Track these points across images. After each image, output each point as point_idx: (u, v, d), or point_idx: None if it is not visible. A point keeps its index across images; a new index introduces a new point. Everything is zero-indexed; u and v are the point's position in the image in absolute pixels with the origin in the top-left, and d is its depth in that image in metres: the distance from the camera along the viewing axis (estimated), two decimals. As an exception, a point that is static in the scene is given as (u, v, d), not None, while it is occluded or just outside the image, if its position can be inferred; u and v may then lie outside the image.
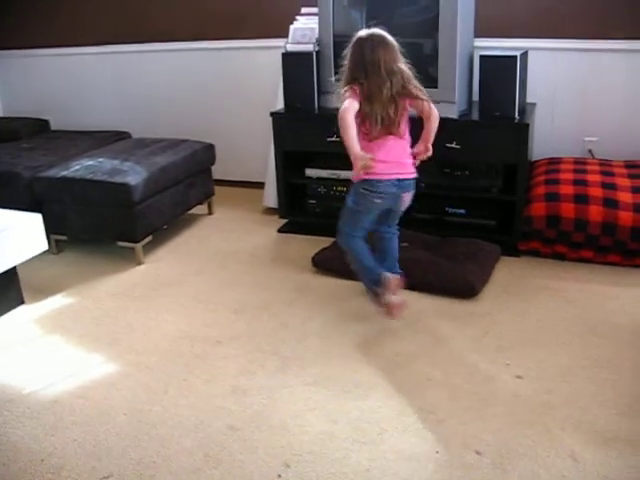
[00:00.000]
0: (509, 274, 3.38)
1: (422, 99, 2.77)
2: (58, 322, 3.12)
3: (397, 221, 3.04)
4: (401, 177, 2.82)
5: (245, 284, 3.42)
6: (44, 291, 3.40)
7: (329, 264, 3.44)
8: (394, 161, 2.80)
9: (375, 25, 2.76)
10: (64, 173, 3.73)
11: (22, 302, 3.29)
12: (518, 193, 3.52)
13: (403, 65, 2.72)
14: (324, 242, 3.62)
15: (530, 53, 3.64)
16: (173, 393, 2.52)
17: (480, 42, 3.69)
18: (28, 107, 5.30)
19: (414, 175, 2.86)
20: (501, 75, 3.42)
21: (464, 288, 3.15)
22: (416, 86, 2.75)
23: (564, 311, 3.01)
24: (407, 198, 2.91)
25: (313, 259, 3.49)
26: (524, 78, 3.59)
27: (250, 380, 2.59)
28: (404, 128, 2.82)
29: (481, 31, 3.67)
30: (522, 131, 3.43)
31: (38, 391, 2.57)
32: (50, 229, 3.47)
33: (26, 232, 3.06)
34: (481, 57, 3.48)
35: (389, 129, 2.76)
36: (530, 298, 3.14)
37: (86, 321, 3.12)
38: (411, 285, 3.20)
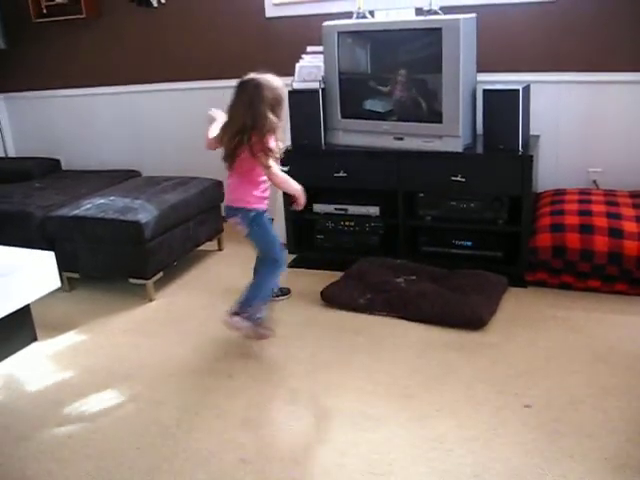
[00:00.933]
0: (516, 305, 3.40)
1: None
2: (71, 358, 3.15)
3: (261, 253, 3.21)
4: (228, 204, 3.15)
5: (255, 318, 3.45)
6: (57, 328, 3.43)
7: (337, 298, 3.47)
8: (231, 189, 3.15)
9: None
10: (76, 212, 3.78)
11: (35, 339, 3.33)
12: (523, 224, 3.54)
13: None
14: (332, 276, 3.66)
15: (534, 86, 3.69)
16: (185, 427, 2.54)
17: (483, 77, 3.74)
18: (40, 147, 5.38)
19: (241, 204, 3.09)
20: (504, 108, 3.48)
21: (472, 319, 3.16)
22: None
23: (572, 340, 3.02)
24: (233, 223, 3.15)
25: (322, 293, 3.52)
26: (527, 111, 3.64)
27: (261, 413, 2.62)
28: (244, 165, 3.04)
29: (484, 66, 3.72)
30: (526, 163, 3.48)
31: (52, 426, 2.60)
32: (62, 267, 3.53)
33: (39, 270, 3.10)
34: (484, 91, 3.54)
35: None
36: (538, 328, 3.15)
37: (98, 357, 3.15)
38: (419, 317, 3.24)
